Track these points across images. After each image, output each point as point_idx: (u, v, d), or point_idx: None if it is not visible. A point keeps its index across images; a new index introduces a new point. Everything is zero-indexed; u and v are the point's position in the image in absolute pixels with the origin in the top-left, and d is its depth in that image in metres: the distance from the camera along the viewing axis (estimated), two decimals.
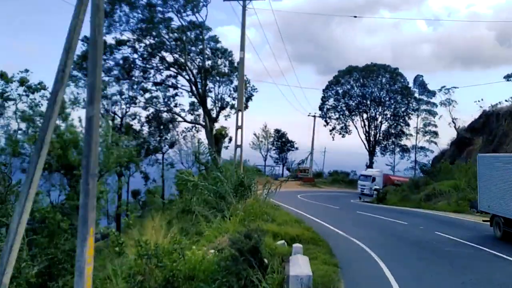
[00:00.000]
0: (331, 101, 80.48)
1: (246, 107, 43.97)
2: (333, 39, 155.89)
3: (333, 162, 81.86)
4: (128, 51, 42.46)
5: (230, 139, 47.56)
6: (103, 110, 39.94)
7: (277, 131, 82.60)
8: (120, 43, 42.61)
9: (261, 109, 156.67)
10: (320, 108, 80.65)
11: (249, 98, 43.60)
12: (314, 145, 76.05)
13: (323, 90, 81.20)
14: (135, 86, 45.04)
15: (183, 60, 40.14)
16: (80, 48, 39.64)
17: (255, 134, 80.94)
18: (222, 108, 42.65)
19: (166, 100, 47.41)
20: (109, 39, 40.88)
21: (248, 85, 42.93)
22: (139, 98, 45.10)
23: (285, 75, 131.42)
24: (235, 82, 44.15)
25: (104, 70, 41.37)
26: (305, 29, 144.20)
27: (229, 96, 44.85)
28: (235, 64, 44.01)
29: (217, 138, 42.08)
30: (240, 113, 25.32)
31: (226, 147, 49.38)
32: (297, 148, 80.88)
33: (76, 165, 23.79)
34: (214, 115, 42.77)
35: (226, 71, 43.73)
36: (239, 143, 25.23)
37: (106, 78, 40.42)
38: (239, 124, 25.38)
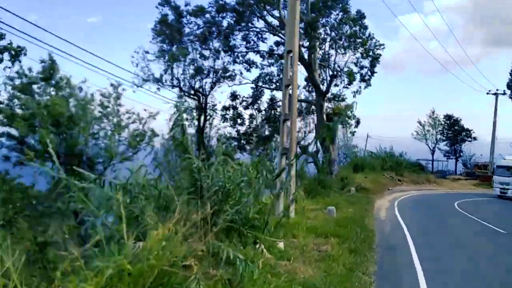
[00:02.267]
0: None
1: (372, 73, 31.12)
2: None
3: None
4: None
5: (358, 122, 35.21)
6: (187, 87, 32.30)
7: (448, 117, 64.98)
8: (222, 9, 34.58)
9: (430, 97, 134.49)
10: (509, 86, 60.22)
11: (374, 59, 30.50)
12: (498, 133, 56.67)
13: None
14: (238, 59, 36.41)
15: (278, 15, 29.75)
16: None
17: (419, 123, 65.19)
18: (333, 76, 30.61)
19: (281, 76, 37.69)
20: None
21: (370, 40, 29.93)
22: (243, 74, 36.26)
23: (478, 61, 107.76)
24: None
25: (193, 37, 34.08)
26: (502, 8, 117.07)
27: (355, 64, 32.43)
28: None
29: (330, 120, 30.48)
30: (290, 57, 14.06)
31: (353, 133, 37.22)
32: (474, 138, 62.29)
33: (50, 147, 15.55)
34: (324, 88, 30.99)
35: (351, 31, 31.39)
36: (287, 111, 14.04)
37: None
38: (288, 77, 14.17)
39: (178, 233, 6.34)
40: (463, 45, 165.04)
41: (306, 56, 30.09)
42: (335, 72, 30.29)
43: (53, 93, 17.86)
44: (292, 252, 9.19)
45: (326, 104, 33.31)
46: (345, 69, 31.24)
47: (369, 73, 30.95)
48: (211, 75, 34.69)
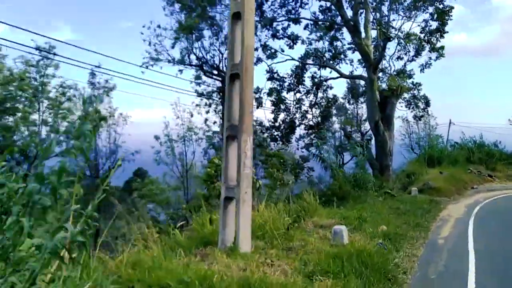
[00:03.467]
0: None
1: (442, 33, 23.17)
2: None
3: None
4: None
5: (428, 104, 27.27)
6: (208, 66, 26.95)
7: None
8: None
9: None
10: None
11: (443, 14, 22.44)
12: None
13: None
14: (279, 33, 30.33)
15: None
16: None
17: None
18: (387, 39, 23.02)
19: (332, 50, 31.16)
20: None
21: None
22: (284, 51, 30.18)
23: None
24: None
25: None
26: None
27: (422, 29, 24.69)
28: None
29: (385, 98, 23.23)
30: None
31: (419, 117, 29.32)
32: None
33: None
34: (374, 58, 23.50)
35: None
36: (237, 62, 7.92)
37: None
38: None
39: None
40: None
41: (350, 16, 23.16)
42: (388, 36, 22.79)
43: None
44: None
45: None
46: (404, 32, 23.76)
47: (437, 36, 23.17)
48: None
